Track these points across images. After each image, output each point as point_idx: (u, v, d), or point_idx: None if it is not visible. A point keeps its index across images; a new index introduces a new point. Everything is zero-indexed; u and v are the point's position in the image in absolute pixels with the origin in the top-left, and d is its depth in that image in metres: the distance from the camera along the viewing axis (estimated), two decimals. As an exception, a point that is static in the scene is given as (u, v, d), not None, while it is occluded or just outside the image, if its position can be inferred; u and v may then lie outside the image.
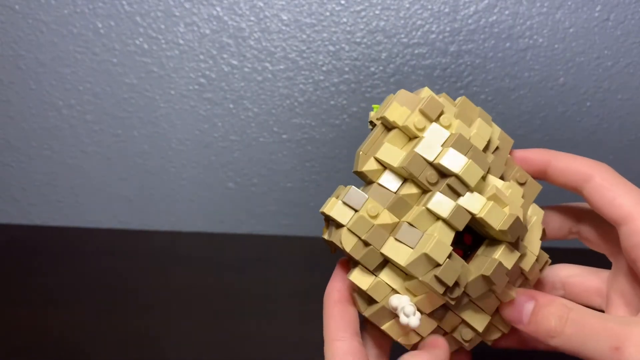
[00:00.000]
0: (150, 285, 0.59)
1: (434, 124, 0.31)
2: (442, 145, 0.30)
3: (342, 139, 0.60)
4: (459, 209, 0.29)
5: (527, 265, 0.32)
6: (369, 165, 0.31)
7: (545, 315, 0.29)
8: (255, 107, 0.60)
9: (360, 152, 0.32)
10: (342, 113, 0.59)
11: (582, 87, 0.57)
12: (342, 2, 0.56)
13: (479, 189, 0.30)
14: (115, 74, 0.60)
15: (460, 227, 0.29)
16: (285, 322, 0.55)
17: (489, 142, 0.32)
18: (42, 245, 0.63)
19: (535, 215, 0.33)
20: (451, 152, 0.29)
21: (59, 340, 0.53)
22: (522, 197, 0.31)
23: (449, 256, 0.29)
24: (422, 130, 0.31)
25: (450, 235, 0.29)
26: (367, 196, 0.31)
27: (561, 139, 0.58)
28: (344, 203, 0.30)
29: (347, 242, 0.30)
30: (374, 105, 0.35)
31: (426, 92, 0.32)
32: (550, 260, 0.35)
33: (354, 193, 0.31)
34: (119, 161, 0.62)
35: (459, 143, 0.30)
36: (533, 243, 0.33)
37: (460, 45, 0.56)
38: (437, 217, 0.30)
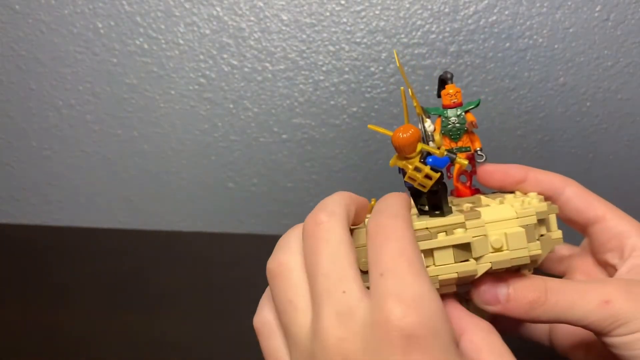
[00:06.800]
0: (151, 284, 0.59)
1: None
2: None
3: (342, 139, 0.60)
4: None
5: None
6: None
7: (523, 290, 0.29)
8: (255, 107, 0.60)
9: None
10: (342, 113, 0.59)
11: (582, 87, 0.57)
12: (342, 2, 0.56)
13: None
14: (116, 74, 0.60)
15: None
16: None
17: None
18: (43, 245, 0.63)
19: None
20: None
21: (59, 339, 0.53)
22: None
23: None
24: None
25: None
26: None
27: (561, 139, 0.58)
28: None
29: None
30: None
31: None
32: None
33: None
34: (119, 161, 0.62)
35: None
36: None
37: (460, 45, 0.56)
38: None
